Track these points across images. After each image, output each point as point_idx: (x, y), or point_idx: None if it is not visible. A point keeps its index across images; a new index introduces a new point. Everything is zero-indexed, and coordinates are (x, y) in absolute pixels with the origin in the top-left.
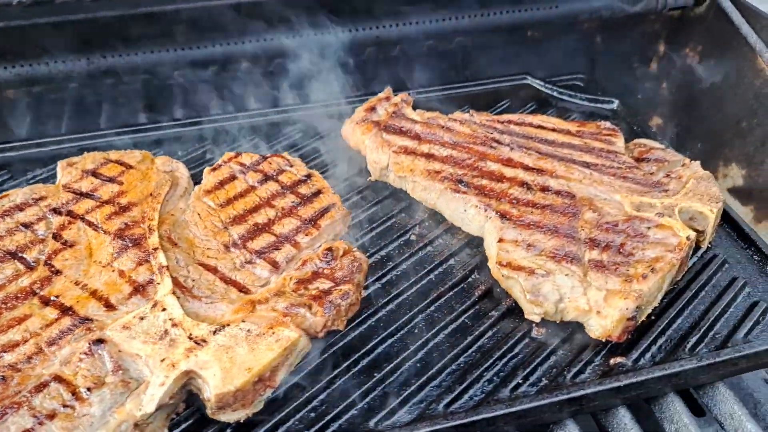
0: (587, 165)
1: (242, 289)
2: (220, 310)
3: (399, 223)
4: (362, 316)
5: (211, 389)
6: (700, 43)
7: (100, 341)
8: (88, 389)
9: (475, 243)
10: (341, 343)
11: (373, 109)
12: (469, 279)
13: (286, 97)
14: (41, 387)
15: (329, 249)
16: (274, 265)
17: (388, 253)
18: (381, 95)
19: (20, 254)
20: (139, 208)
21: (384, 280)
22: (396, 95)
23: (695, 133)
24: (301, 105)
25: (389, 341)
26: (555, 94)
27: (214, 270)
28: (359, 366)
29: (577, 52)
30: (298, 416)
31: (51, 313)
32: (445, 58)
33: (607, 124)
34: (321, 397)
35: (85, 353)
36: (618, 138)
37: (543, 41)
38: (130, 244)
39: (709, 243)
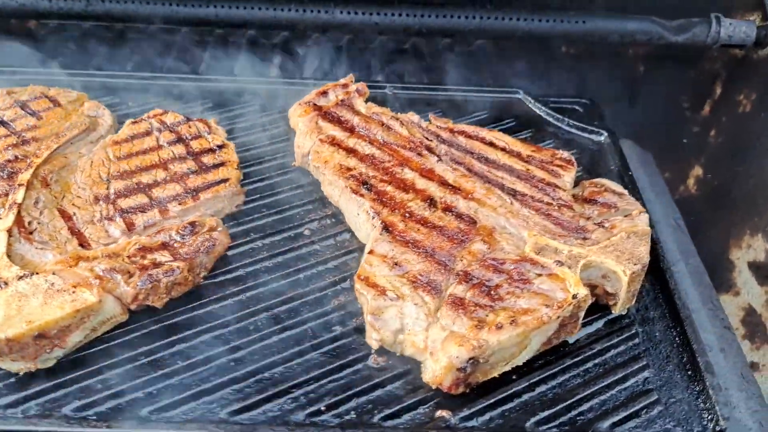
0: (513, 193)
1: (83, 243)
2: (46, 258)
3: (300, 214)
4: (195, 303)
5: None
6: (756, 90)
7: None
8: None
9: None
10: (157, 325)
11: (324, 93)
12: (337, 287)
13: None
14: None
15: (192, 223)
16: (130, 227)
17: (270, 243)
18: (340, 81)
19: None
20: (39, 144)
21: (247, 270)
22: (347, 82)
23: (734, 192)
24: (282, 79)
25: (210, 334)
26: (542, 114)
27: (68, 218)
28: (163, 352)
29: (602, 76)
30: (77, 386)
31: None
32: (453, 59)
33: (565, 154)
34: (110, 372)
35: None
36: (568, 171)
37: (567, 59)
38: (4, 176)
39: (628, 310)
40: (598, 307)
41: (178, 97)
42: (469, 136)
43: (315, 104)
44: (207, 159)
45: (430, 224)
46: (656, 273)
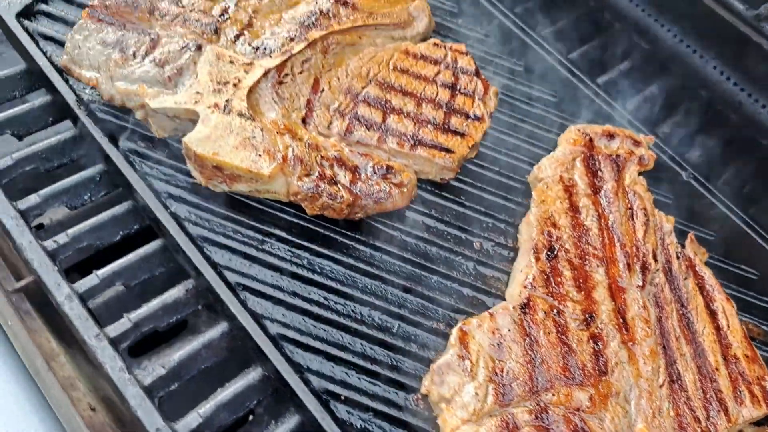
0: (676, 378)
1: (306, 119)
2: (271, 113)
3: (487, 225)
4: (334, 226)
5: (187, 136)
6: None
7: (198, 47)
8: (153, 60)
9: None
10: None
11: (612, 137)
12: (449, 312)
13: None
14: (144, 33)
15: (390, 167)
16: (347, 132)
17: (439, 230)
18: (639, 136)
19: None
20: (353, 12)
21: (400, 236)
22: (642, 142)
23: None
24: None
25: (325, 262)
26: None
27: (315, 91)
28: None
29: None
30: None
31: (216, 10)
32: None
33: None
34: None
35: (184, 43)
36: (757, 408)
37: None
38: (307, 23)
39: None
40: None
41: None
42: (701, 287)
43: (592, 141)
44: (455, 121)
45: (565, 338)
46: None
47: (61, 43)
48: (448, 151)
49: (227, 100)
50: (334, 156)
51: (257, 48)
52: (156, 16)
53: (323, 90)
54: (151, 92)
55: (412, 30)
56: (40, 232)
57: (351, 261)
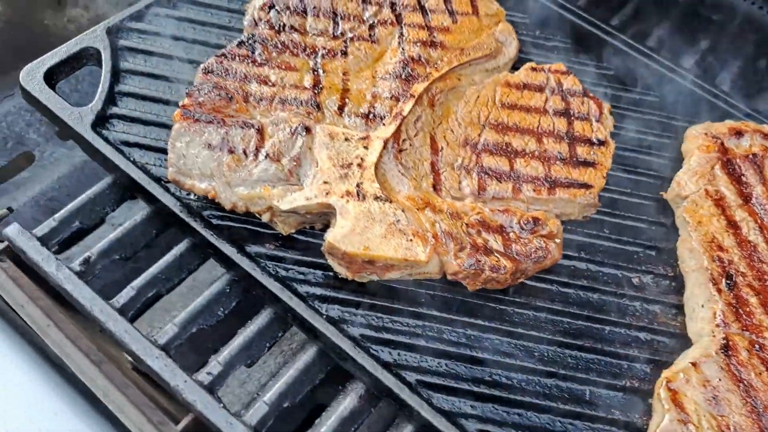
0: None
1: (436, 186)
2: (401, 186)
3: (640, 257)
4: (497, 295)
5: (329, 235)
6: None
7: (306, 129)
8: (266, 155)
9: None
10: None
11: (739, 134)
12: (633, 365)
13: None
14: (245, 125)
15: (536, 219)
16: (480, 189)
17: (592, 271)
18: (763, 128)
19: (338, 20)
20: (444, 53)
21: (557, 288)
22: None
23: None
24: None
25: (495, 337)
26: None
27: (435, 151)
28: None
29: None
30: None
31: (307, 81)
32: None
33: None
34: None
35: (291, 128)
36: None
37: None
38: (403, 75)
39: None
40: None
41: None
42: None
43: (723, 144)
44: (581, 150)
45: None
46: None
47: (145, 147)
48: (586, 186)
49: (358, 185)
50: (477, 220)
51: (366, 116)
52: (252, 102)
53: (442, 148)
54: (276, 192)
55: (504, 57)
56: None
57: (519, 329)
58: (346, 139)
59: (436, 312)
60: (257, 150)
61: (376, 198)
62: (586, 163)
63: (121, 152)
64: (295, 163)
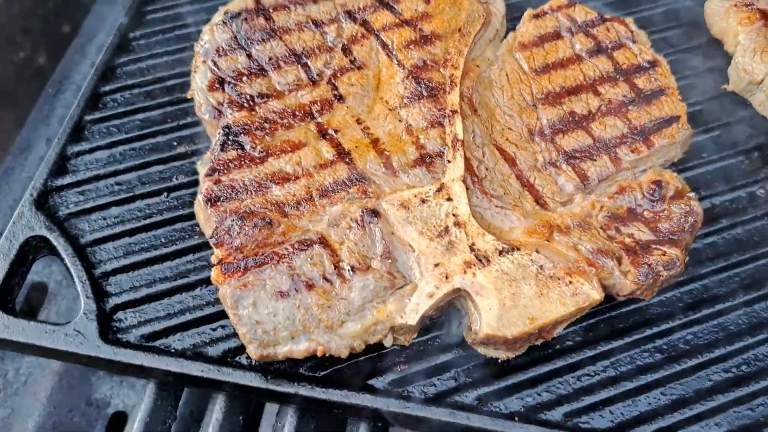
0: None
1: (539, 200)
2: (511, 222)
3: (747, 165)
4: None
5: (482, 325)
6: None
7: (374, 213)
8: (352, 269)
9: None
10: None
11: None
12: None
13: None
14: (305, 245)
15: (658, 183)
16: (583, 180)
17: (719, 203)
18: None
19: (305, 60)
20: (443, 44)
21: (708, 240)
22: None
23: None
24: None
25: (691, 328)
26: None
27: (512, 161)
28: (641, 345)
29: None
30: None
31: (327, 151)
32: None
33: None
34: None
35: (357, 222)
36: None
37: None
38: (425, 92)
39: None
40: None
41: None
42: None
43: (760, 8)
44: (641, 82)
45: None
46: None
47: (172, 329)
48: (675, 119)
49: (473, 248)
50: (606, 217)
51: (422, 161)
52: (292, 213)
53: (515, 153)
54: (392, 308)
55: (497, 16)
56: None
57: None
58: (423, 201)
59: (588, 351)
60: (337, 267)
61: (501, 253)
62: (656, 93)
63: (153, 350)
64: (389, 261)
